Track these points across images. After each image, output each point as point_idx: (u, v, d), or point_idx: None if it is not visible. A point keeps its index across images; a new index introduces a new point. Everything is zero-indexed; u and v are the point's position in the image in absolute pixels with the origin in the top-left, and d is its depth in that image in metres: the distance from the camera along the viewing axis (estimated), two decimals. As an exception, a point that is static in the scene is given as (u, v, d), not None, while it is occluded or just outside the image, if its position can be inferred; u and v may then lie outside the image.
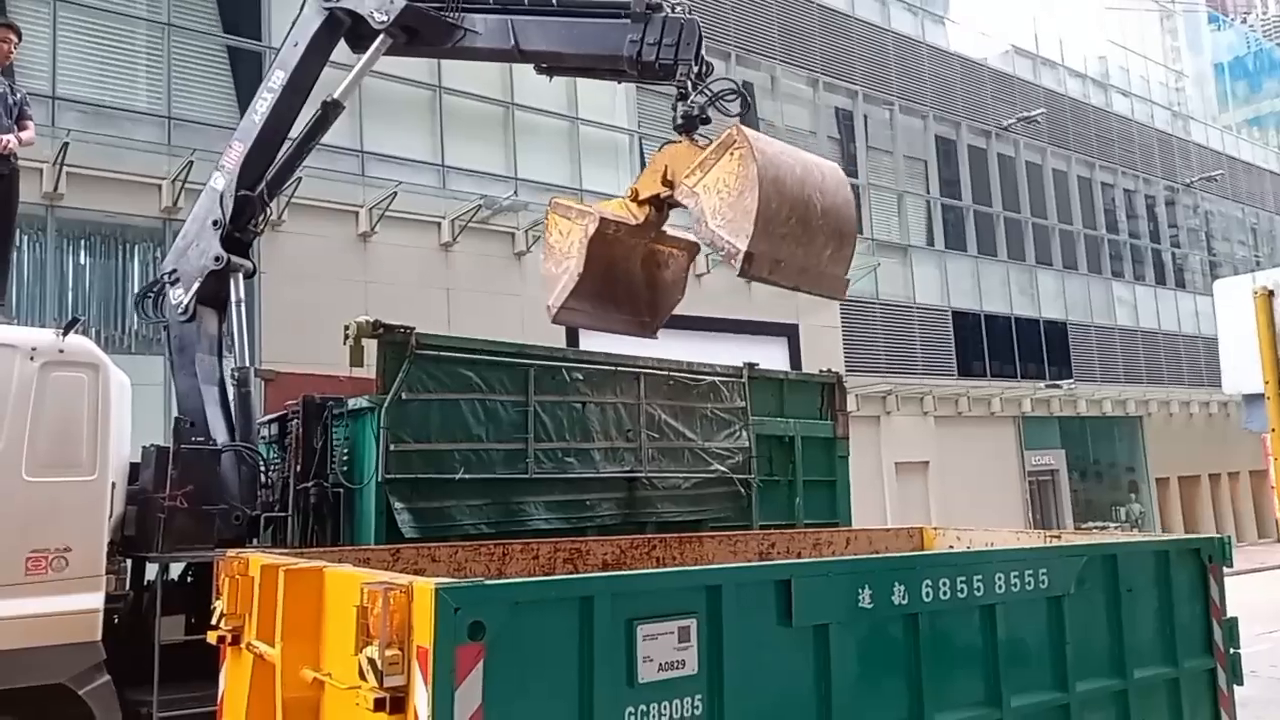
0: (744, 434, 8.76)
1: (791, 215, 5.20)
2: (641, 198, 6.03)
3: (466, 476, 7.05)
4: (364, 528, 6.83)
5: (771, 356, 18.10)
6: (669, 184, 5.76)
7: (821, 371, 9.95)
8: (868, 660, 4.49)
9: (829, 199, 5.42)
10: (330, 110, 7.59)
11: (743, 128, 5.30)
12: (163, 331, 7.84)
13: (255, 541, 6.96)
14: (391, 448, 6.75)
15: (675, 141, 5.86)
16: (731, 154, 5.26)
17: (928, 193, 24.91)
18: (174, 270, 7.91)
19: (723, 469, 8.51)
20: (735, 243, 5.15)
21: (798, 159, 5.42)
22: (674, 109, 5.91)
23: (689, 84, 5.86)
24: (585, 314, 6.29)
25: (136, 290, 13.09)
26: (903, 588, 4.57)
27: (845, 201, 5.56)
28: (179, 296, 7.69)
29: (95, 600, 5.58)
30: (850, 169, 23.34)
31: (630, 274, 6.26)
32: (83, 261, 13.43)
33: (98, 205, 13.21)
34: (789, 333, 20.37)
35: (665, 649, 3.92)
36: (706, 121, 5.91)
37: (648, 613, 3.89)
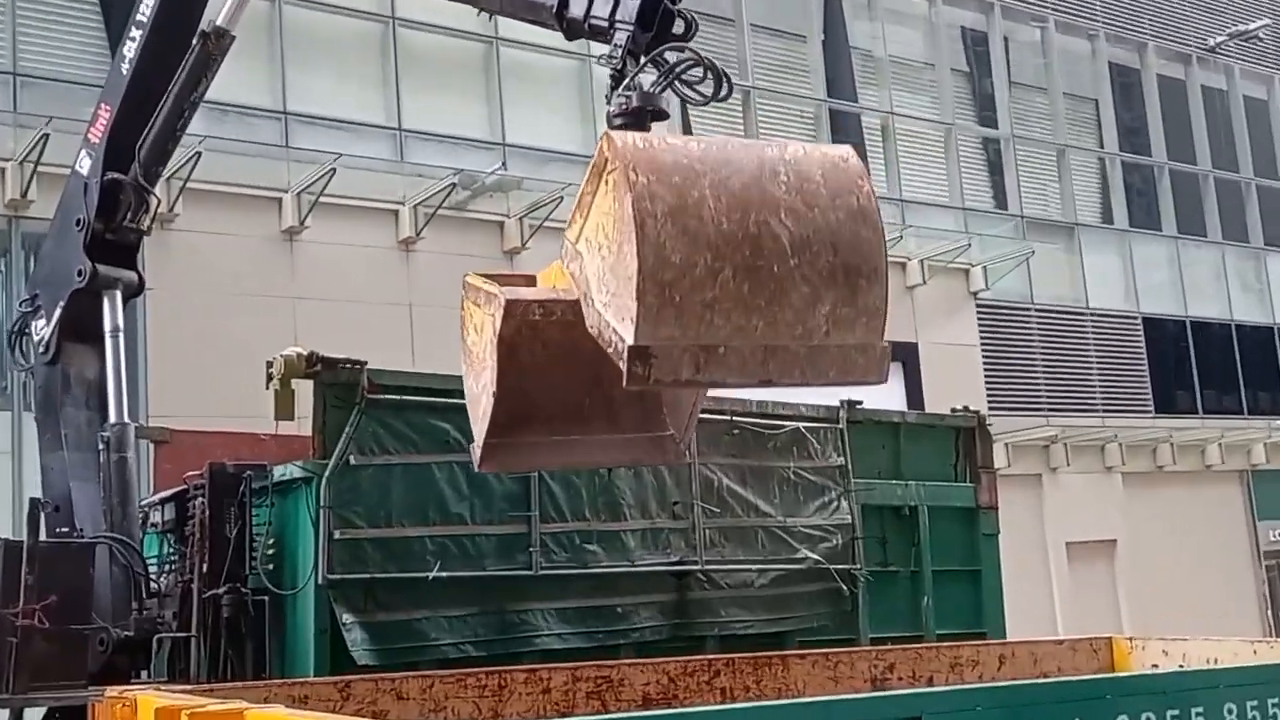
0: (844, 504, 8.74)
1: (721, 265, 4.43)
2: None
3: (444, 575, 7.08)
4: (299, 651, 6.87)
5: (879, 390, 17.96)
6: None
7: (955, 411, 9.96)
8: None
9: (814, 219, 4.60)
10: (212, 44, 7.49)
11: (615, 135, 4.58)
12: (30, 379, 8.02)
13: (146, 674, 7.01)
14: (337, 535, 6.81)
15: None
16: (606, 181, 4.56)
17: (1100, 146, 24.84)
18: (34, 295, 8.08)
19: (814, 556, 8.48)
20: (620, 335, 4.43)
21: (734, 164, 4.64)
22: (607, 99, 5.24)
23: (624, 56, 5.24)
24: (531, 451, 5.58)
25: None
26: (1086, 727, 4.53)
27: (853, 215, 4.70)
28: (40, 330, 7.85)
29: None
30: (986, 116, 23.40)
31: (603, 373, 5.52)
32: (-103, 280, 13.74)
33: (-83, 200, 13.56)
34: (905, 355, 20.28)
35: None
36: (660, 116, 5.26)
37: (712, 770, 3.90)
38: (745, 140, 4.89)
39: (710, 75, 5.02)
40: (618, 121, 5.09)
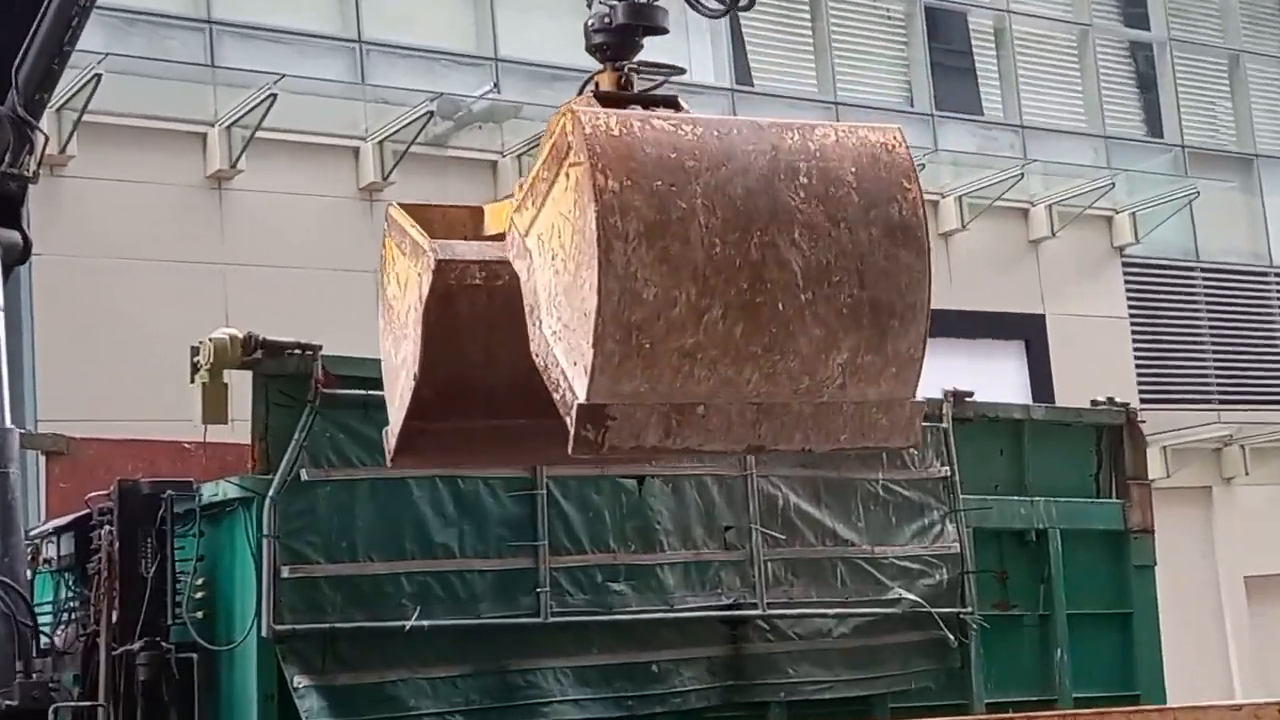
0: (950, 528, 8.75)
1: (710, 303, 4.40)
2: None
3: (426, 624, 7.11)
4: (238, 724, 6.96)
5: (996, 377, 17.92)
6: None
7: (1096, 404, 9.92)
8: None
9: (839, 239, 4.57)
10: None
11: (584, 113, 4.45)
12: None
13: (38, 755, 7.09)
14: (285, 573, 6.84)
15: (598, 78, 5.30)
16: (566, 174, 4.48)
17: (1288, 52, 24.58)
18: None
19: (911, 596, 8.49)
20: (570, 384, 4.44)
21: (738, 159, 4.56)
22: (588, 4, 5.06)
23: None
24: (466, 441, 5.58)
25: None
26: (1275, 817, 4.52)
27: (891, 233, 4.66)
28: None
29: None
30: (1134, 14, 23.20)
31: None
32: None
33: None
34: (1026, 330, 20.22)
35: None
36: (657, 31, 5.12)
37: None
38: (758, 121, 4.79)
39: None
40: (597, 39, 5.06)
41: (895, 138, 4.79)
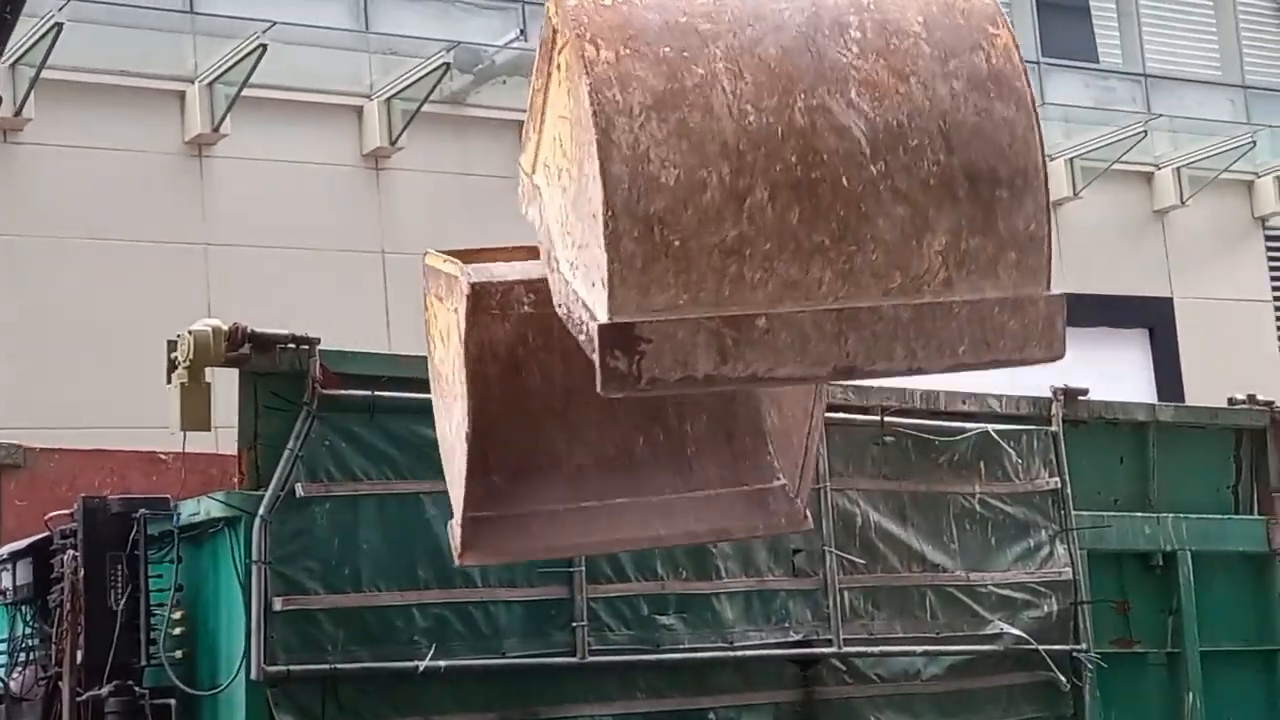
0: (1060, 551, 8.74)
1: (750, 183, 4.18)
2: None
3: (442, 664, 7.14)
4: (223, 782, 7.00)
5: (1116, 371, 17.86)
6: None
7: (1235, 402, 9.94)
8: None
9: (911, 95, 4.35)
10: None
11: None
12: None
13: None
14: (278, 605, 6.87)
15: None
16: (556, 65, 4.43)
17: None
18: None
19: (1015, 632, 8.48)
20: (587, 306, 4.28)
21: (768, 19, 4.39)
22: None
23: None
24: (546, 526, 5.55)
25: None
26: None
27: (979, 85, 4.42)
28: None
29: None
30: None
31: (680, 409, 5.35)
32: None
33: None
34: (1151, 316, 20.14)
35: None
36: None
37: None
38: None
39: None
40: None
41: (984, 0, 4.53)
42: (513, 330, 4.99)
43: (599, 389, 4.13)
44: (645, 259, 4.07)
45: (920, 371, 4.44)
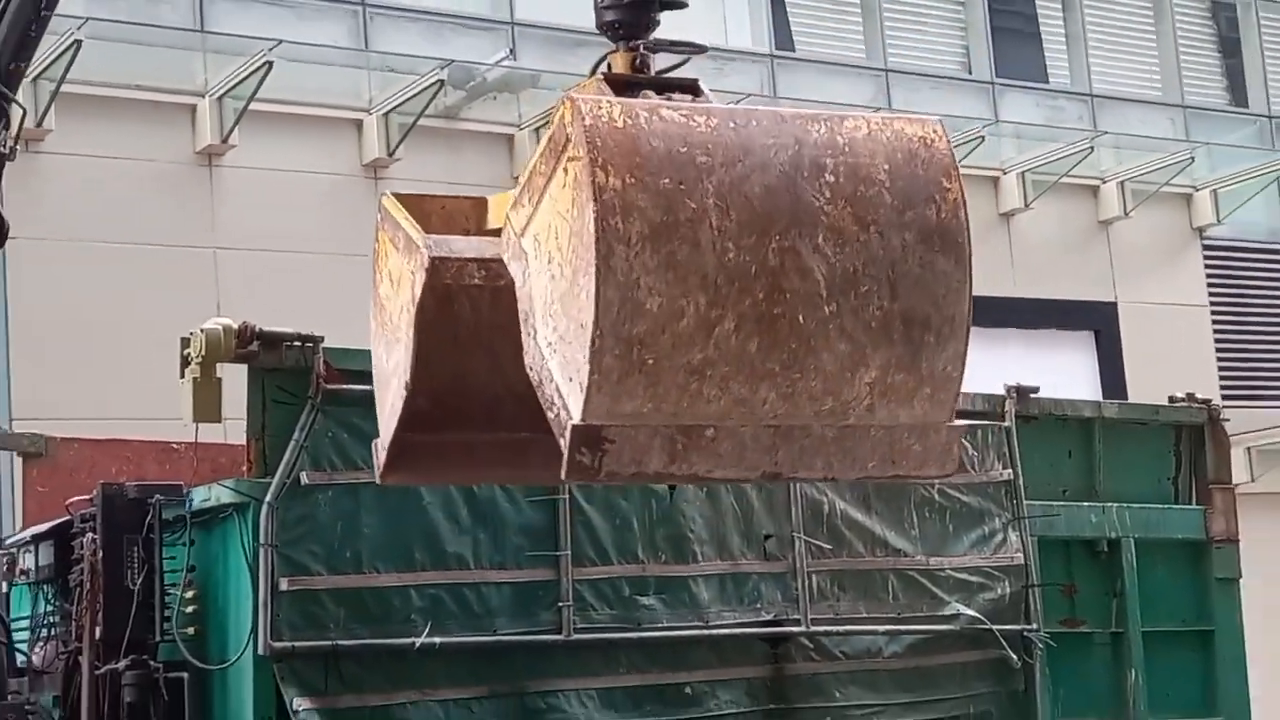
0: (1013, 537, 8.75)
1: (721, 314, 4.32)
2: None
3: (437, 641, 7.14)
4: (233, 751, 7.01)
5: (1064, 371, 17.88)
6: None
7: (1175, 400, 9.93)
8: None
9: (868, 244, 4.46)
10: None
11: (584, 103, 4.38)
12: None
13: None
14: (284, 585, 6.89)
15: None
16: (564, 170, 4.42)
17: (1385, 12, 24.45)
18: None
19: (970, 612, 8.51)
20: (565, 402, 4.39)
21: (756, 154, 4.45)
22: None
23: None
24: (464, 456, 5.56)
25: None
26: None
27: (927, 238, 4.55)
28: None
29: None
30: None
31: None
32: None
33: None
34: (1096, 320, 20.16)
35: None
36: (674, 4, 5.07)
37: None
38: (780, 112, 4.69)
39: None
40: (608, 15, 4.97)
41: (935, 131, 4.67)
42: (456, 291, 5.08)
43: (563, 476, 4.36)
44: (621, 374, 4.23)
45: (832, 479, 4.81)
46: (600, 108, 4.35)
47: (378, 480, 5.54)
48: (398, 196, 5.45)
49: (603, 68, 4.99)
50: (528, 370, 4.59)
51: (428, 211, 5.33)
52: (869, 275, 4.44)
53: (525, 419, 5.21)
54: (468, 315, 5.11)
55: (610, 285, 4.18)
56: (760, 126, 4.50)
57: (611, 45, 5.02)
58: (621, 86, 4.76)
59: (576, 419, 4.27)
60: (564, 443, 4.32)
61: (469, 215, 5.36)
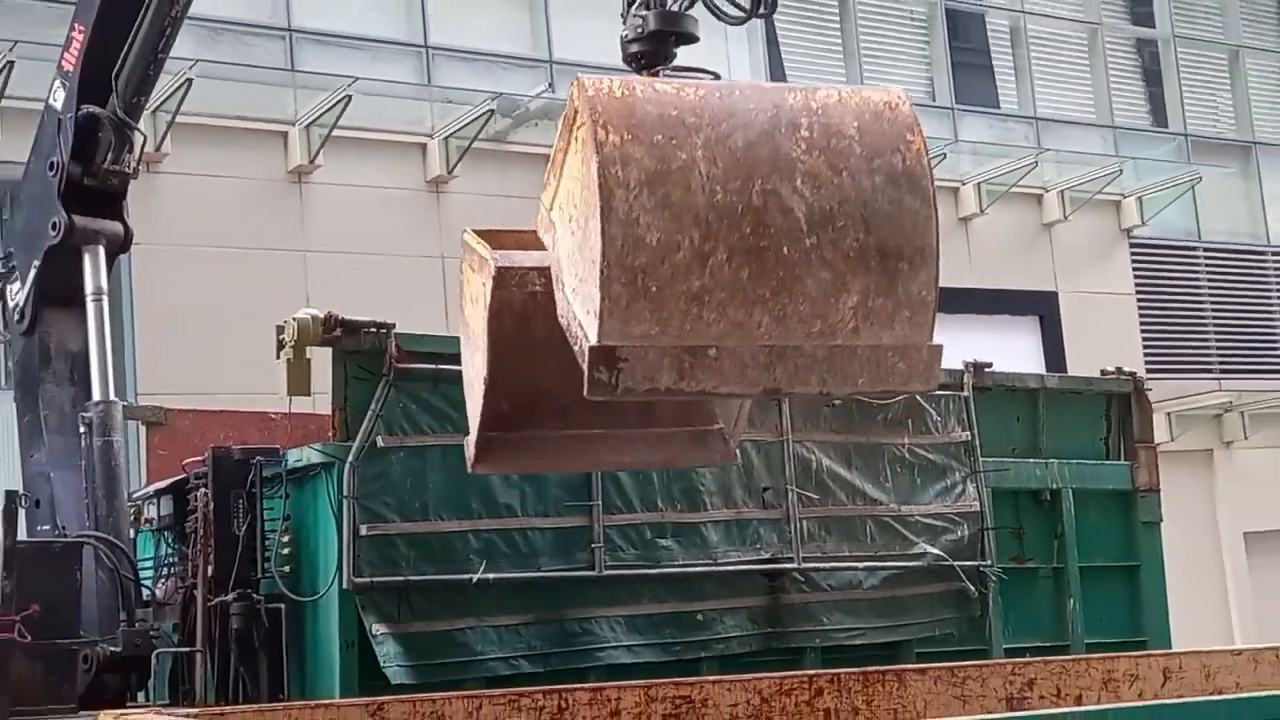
0: (970, 489, 8.78)
1: (713, 246, 4.22)
2: None
3: (491, 577, 7.20)
4: (323, 667, 7.03)
5: (1012, 349, 17.87)
6: None
7: (1106, 373, 9.93)
8: None
9: (841, 186, 4.35)
10: None
11: (588, 79, 4.32)
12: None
13: (144, 696, 7.22)
14: (364, 531, 6.95)
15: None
16: (575, 138, 4.39)
17: (1284, 47, 24.32)
18: (9, 254, 8.30)
19: (935, 551, 8.54)
20: (585, 331, 4.31)
21: (739, 116, 4.37)
22: (624, 6, 5.05)
23: None
24: (539, 448, 5.47)
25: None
26: (1273, 752, 4.52)
27: (894, 180, 4.43)
28: (16, 295, 8.07)
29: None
30: (1141, 13, 22.99)
31: None
32: None
33: None
34: (1040, 306, 20.12)
35: None
36: (688, 39, 5.02)
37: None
38: (763, 84, 4.74)
39: None
40: (632, 48, 4.97)
41: (899, 97, 4.64)
42: (524, 301, 5.03)
43: (585, 393, 4.28)
44: (629, 299, 4.21)
45: (829, 396, 4.68)
46: (601, 83, 4.36)
47: (469, 470, 5.49)
48: (477, 231, 5.38)
49: None
50: (559, 320, 4.55)
51: (502, 242, 5.26)
52: (844, 212, 4.38)
53: (591, 418, 5.25)
54: (540, 331, 5.01)
55: (613, 223, 4.17)
56: (742, 95, 4.49)
57: (634, 70, 5.03)
58: None
59: (593, 341, 4.24)
60: (584, 364, 4.27)
61: (537, 244, 5.20)
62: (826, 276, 4.39)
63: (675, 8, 4.94)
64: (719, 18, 4.98)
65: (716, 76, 5.04)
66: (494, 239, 5.26)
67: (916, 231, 4.49)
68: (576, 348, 4.39)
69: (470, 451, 5.32)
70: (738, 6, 4.92)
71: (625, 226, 4.17)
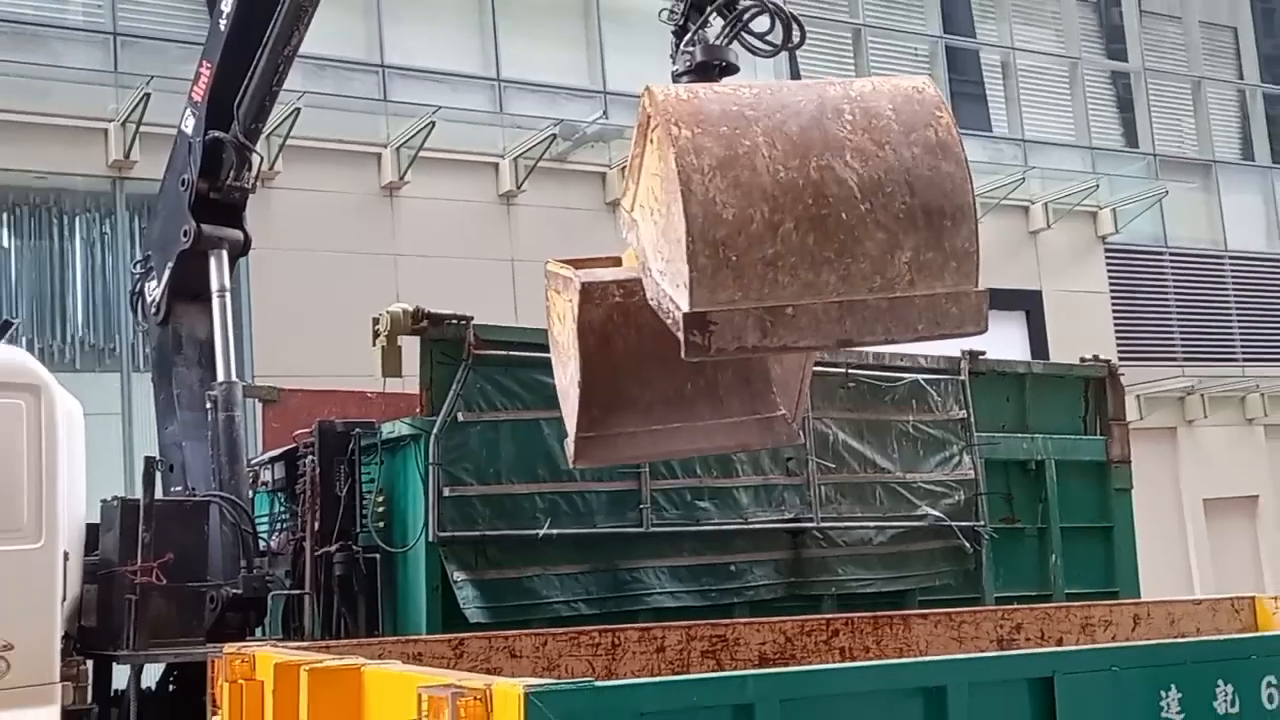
0: (966, 459, 8.72)
1: (781, 217, 4.19)
2: None
3: (554, 532, 7.23)
4: (412, 609, 7.09)
5: (1001, 339, 17.76)
6: None
7: (1085, 361, 9.87)
8: (1177, 799, 4.40)
9: (885, 158, 4.32)
10: None
11: (656, 88, 4.30)
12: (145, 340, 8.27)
13: (260, 632, 7.30)
14: (446, 492, 6.99)
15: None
16: (650, 140, 4.35)
17: (1240, 78, 24.00)
18: (148, 256, 8.39)
19: (935, 513, 8.50)
20: (674, 300, 4.25)
21: (790, 108, 4.35)
22: (671, 58, 5.02)
23: (686, 9, 4.95)
24: (628, 442, 5.39)
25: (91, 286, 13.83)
26: (1230, 688, 4.48)
27: (930, 150, 4.40)
28: (153, 291, 8.16)
29: (48, 718, 5.94)
30: (1115, 48, 22.76)
31: (718, 363, 5.07)
32: (5, 243, 14.25)
33: (24, 162, 14.00)
34: (1027, 303, 19.96)
35: (864, 782, 3.94)
36: (729, 70, 4.98)
37: (836, 729, 3.92)
38: (805, 81, 4.70)
39: (778, 22, 4.79)
40: (683, 80, 4.93)
41: (925, 82, 4.61)
42: (606, 314, 4.99)
43: (682, 355, 4.22)
44: (713, 269, 4.16)
45: (894, 342, 4.63)
46: (669, 90, 4.37)
47: (571, 465, 5.46)
48: (558, 260, 5.34)
49: None
50: (650, 302, 4.51)
51: (578, 266, 5.22)
52: (890, 180, 4.34)
53: (670, 413, 5.25)
54: (622, 341, 5.04)
55: (694, 203, 4.14)
56: (789, 91, 4.49)
57: None
58: None
59: (685, 308, 4.18)
60: (678, 330, 4.23)
61: (611, 266, 5.26)
62: (881, 236, 4.34)
63: (693, 55, 4.93)
64: (754, 53, 4.96)
65: None
66: (573, 265, 5.23)
67: (955, 192, 4.42)
68: (669, 320, 4.34)
69: (570, 450, 5.28)
70: (768, 42, 4.90)
71: (704, 205, 4.15)
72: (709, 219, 4.14)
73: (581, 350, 4.96)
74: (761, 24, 4.88)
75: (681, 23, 4.96)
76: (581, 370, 4.97)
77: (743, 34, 4.94)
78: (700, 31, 4.96)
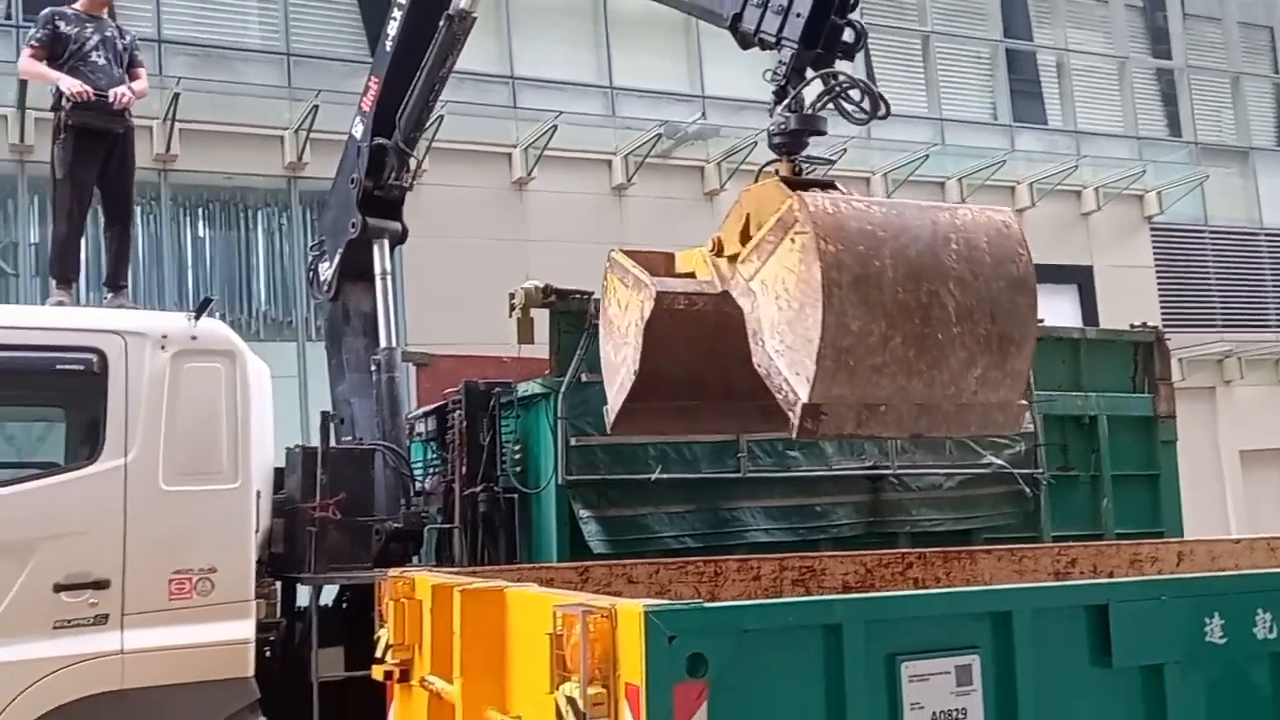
0: (1027, 414, 8.52)
1: (894, 334, 4.27)
2: (728, 253, 4.89)
3: (664, 477, 7.24)
4: (544, 541, 7.16)
5: (1056, 309, 17.38)
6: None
7: (1134, 327, 9.60)
8: (1219, 713, 4.29)
9: (978, 288, 4.40)
10: (457, 25, 7.60)
11: (806, 197, 4.25)
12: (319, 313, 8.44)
13: (417, 560, 7.40)
14: (572, 442, 7.02)
15: (771, 169, 4.83)
16: (792, 239, 4.32)
17: (1275, 72, 23.05)
18: (321, 241, 8.58)
19: (999, 462, 8.33)
20: (793, 388, 4.30)
21: (911, 231, 4.36)
22: (770, 113, 4.85)
23: (788, 73, 4.76)
24: (658, 416, 5.33)
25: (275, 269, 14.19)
26: (1268, 616, 4.36)
27: (1013, 284, 4.47)
28: (325, 272, 8.34)
29: (245, 629, 6.11)
30: (1160, 49, 21.98)
31: (720, 347, 4.98)
32: (201, 233, 14.67)
33: (214, 165, 14.39)
34: (1079, 277, 19.49)
35: (939, 693, 3.88)
36: (819, 132, 4.82)
37: (914, 647, 3.87)
38: (919, 204, 4.65)
39: (868, 98, 4.68)
40: (776, 140, 4.81)
41: (1011, 217, 4.67)
42: (669, 316, 4.97)
43: (794, 437, 4.39)
44: (834, 371, 4.25)
45: (949, 437, 4.71)
46: (817, 200, 4.34)
47: (609, 431, 5.49)
48: (622, 251, 5.37)
49: (769, 169, 4.87)
50: (756, 367, 4.55)
51: (639, 261, 5.23)
52: (979, 308, 4.44)
53: (692, 393, 5.23)
54: (674, 335, 5.01)
55: (830, 314, 4.20)
56: (909, 213, 4.51)
57: (777, 156, 4.88)
58: (792, 184, 4.66)
59: (805, 399, 4.28)
60: (794, 415, 4.33)
61: (662, 262, 5.26)
62: (964, 355, 4.45)
63: (785, 124, 4.81)
64: (847, 118, 4.83)
65: (832, 162, 5.06)
66: (636, 258, 5.24)
67: (1024, 323, 4.55)
68: (780, 396, 4.42)
69: (610, 418, 5.30)
70: (861, 109, 4.79)
71: (838, 317, 4.22)
72: (839, 329, 4.21)
73: (646, 342, 4.98)
74: (854, 93, 4.75)
75: (783, 84, 4.84)
76: (640, 356, 5.00)
77: (838, 100, 4.80)
78: (786, 101, 4.82)
